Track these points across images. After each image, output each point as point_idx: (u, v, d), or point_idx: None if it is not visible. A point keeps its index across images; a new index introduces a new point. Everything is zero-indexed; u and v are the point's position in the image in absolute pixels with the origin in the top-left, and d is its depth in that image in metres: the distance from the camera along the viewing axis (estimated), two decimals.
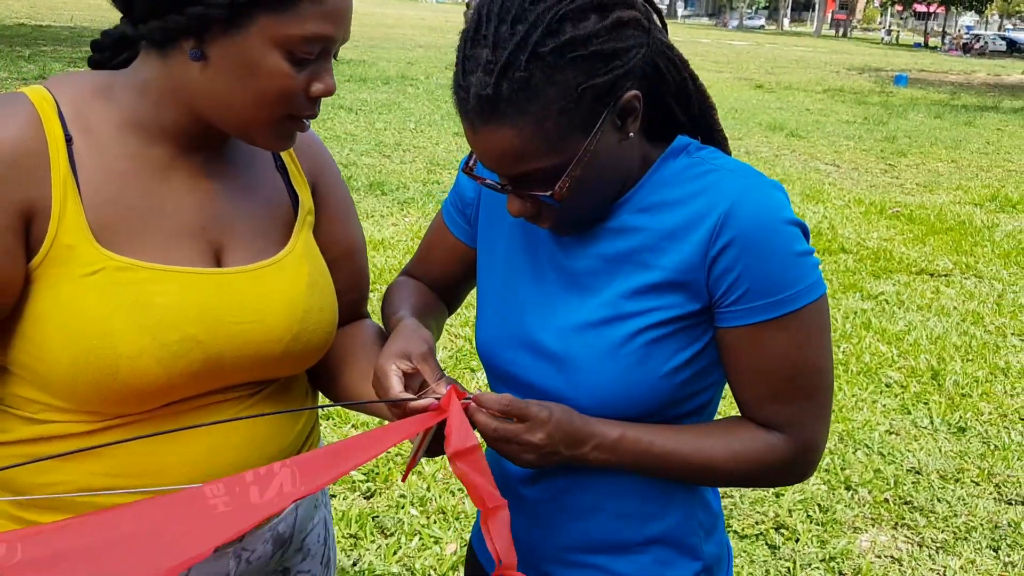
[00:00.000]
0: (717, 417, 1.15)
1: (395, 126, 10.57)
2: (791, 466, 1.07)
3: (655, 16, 1.02)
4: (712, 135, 1.12)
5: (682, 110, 1.09)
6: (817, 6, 73.43)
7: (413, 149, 9.29)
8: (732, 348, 1.03)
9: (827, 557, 2.89)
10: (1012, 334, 5.05)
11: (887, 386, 4.22)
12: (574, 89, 0.92)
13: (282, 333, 1.10)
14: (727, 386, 1.12)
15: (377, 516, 2.90)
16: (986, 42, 51.11)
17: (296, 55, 0.98)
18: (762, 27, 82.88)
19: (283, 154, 1.20)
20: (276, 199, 1.17)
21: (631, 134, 1.00)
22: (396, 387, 1.00)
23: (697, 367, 1.06)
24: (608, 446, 1.02)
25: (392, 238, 5.99)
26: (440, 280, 1.32)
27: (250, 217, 1.12)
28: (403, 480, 1.60)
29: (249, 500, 0.97)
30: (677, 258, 1.02)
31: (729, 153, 1.12)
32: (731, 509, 3.06)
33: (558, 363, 1.06)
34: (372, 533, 2.81)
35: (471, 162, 1.05)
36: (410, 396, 1.00)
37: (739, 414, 1.10)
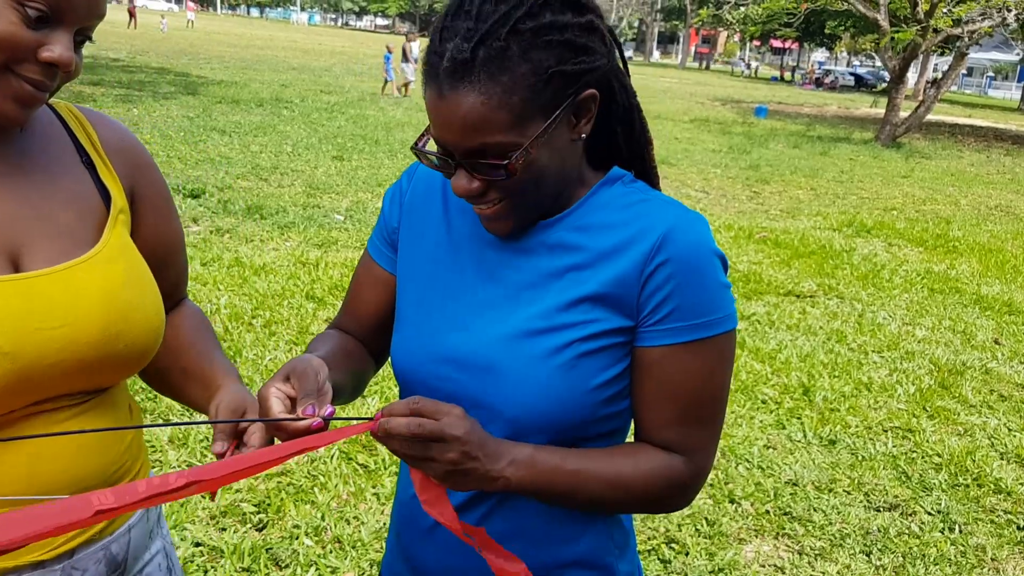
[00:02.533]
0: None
1: (271, 149, 10.38)
2: (686, 488, 1.10)
3: (616, 46, 1.09)
4: (645, 170, 1.17)
5: (625, 136, 1.14)
6: (682, 39, 76.38)
7: (291, 172, 9.14)
8: (648, 368, 1.07)
9: (716, 569, 3.00)
10: (872, 351, 5.37)
11: (763, 402, 4.41)
12: (544, 70, 0.97)
13: (99, 334, 1.04)
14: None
15: (271, 548, 2.83)
16: (836, 77, 54.25)
17: (26, 8, 0.96)
18: (630, 58, 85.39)
19: (90, 151, 1.15)
20: (83, 197, 1.12)
21: (582, 136, 1.05)
22: (275, 408, 0.96)
23: (620, 385, 1.09)
24: (524, 462, 1.01)
25: (273, 263, 5.88)
26: (371, 321, 1.27)
27: (51, 216, 1.07)
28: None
29: (137, 489, 0.92)
30: (612, 274, 1.05)
31: (659, 189, 1.17)
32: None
33: (484, 372, 1.07)
34: (266, 566, 2.74)
35: (421, 142, 1.06)
36: (289, 416, 0.96)
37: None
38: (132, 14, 39.62)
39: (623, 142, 1.15)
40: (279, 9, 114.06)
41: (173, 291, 1.30)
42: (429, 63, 0.98)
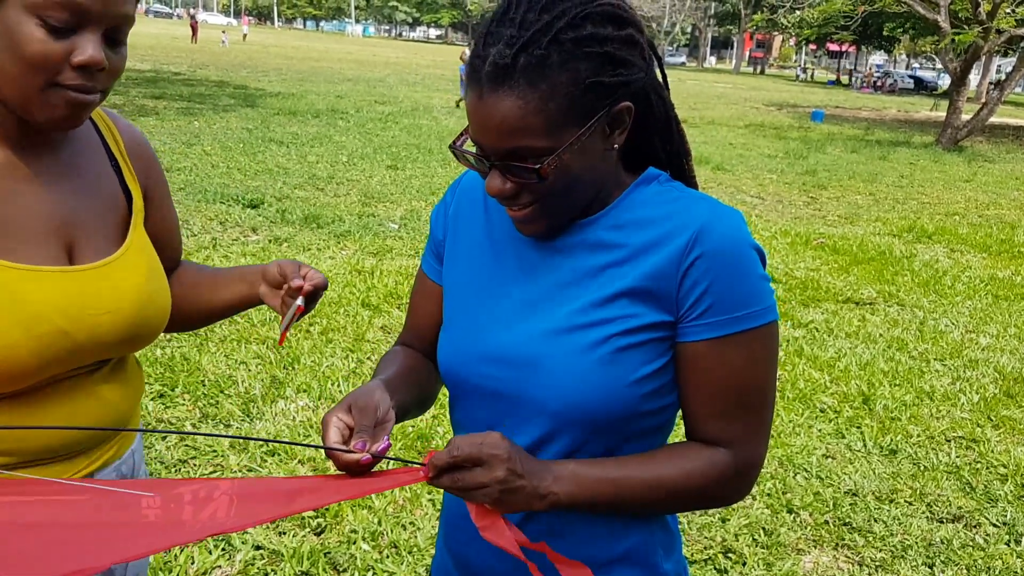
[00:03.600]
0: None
1: (327, 159, 10.53)
2: (734, 482, 1.12)
3: (655, 59, 1.12)
4: (682, 177, 1.20)
5: (663, 147, 1.17)
6: (736, 44, 75.66)
7: (347, 182, 9.27)
8: (691, 363, 1.09)
9: None
10: (934, 359, 5.25)
11: (821, 411, 4.35)
12: (582, 80, 1.00)
13: (133, 319, 1.24)
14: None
15: (329, 552, 2.87)
16: (895, 80, 53.27)
17: (48, 21, 1.05)
18: (683, 64, 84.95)
19: (116, 154, 1.31)
20: (114, 198, 1.29)
21: (615, 146, 1.08)
22: (332, 437, 1.02)
23: (661, 381, 1.10)
24: (568, 477, 1.04)
25: (330, 271, 5.96)
26: (431, 333, 1.31)
27: (95, 216, 1.25)
28: (280, 343, 1.70)
29: (181, 518, 0.98)
30: (649, 268, 1.08)
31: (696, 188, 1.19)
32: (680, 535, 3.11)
33: (527, 368, 1.10)
34: (325, 570, 2.78)
35: (459, 141, 1.10)
36: (341, 447, 1.01)
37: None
38: (194, 29, 40.54)
39: (661, 152, 1.18)
40: (334, 22, 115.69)
41: (173, 261, 1.51)
42: (472, 66, 1.02)
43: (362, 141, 12.31)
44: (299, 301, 1.29)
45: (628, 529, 1.16)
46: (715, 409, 1.09)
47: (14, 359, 1.11)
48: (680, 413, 1.17)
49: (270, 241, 6.65)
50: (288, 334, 1.29)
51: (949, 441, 4.14)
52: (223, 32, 44.24)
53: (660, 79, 1.14)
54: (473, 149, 1.08)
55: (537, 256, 1.16)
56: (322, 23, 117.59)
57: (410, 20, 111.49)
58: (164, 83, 18.19)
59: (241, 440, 3.51)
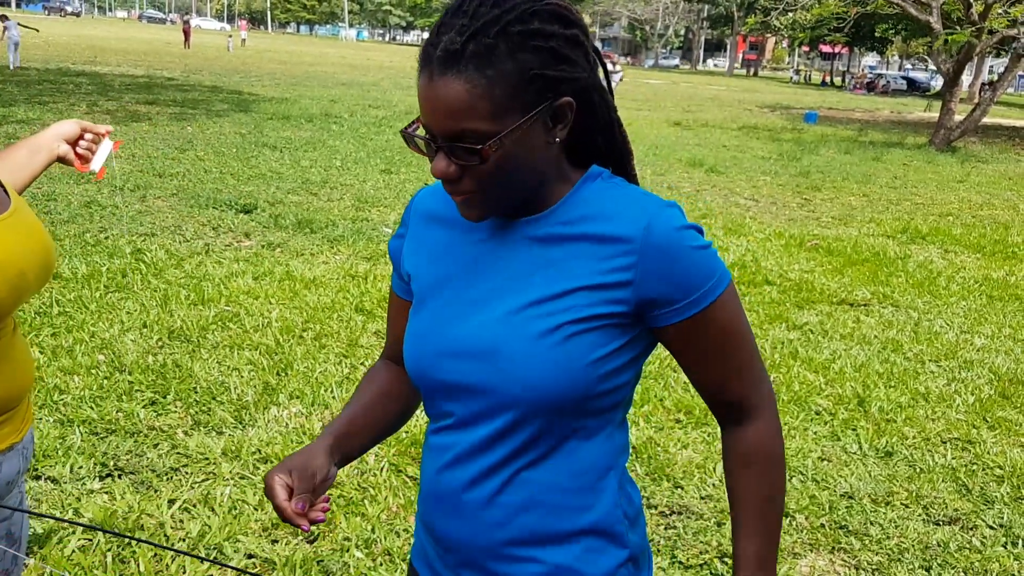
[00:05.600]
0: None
1: (321, 164, 10.51)
2: (776, 427, 1.24)
3: (600, 63, 1.19)
4: (626, 175, 1.27)
5: (606, 146, 1.24)
6: (729, 46, 75.76)
7: (340, 187, 9.24)
8: (669, 344, 1.19)
9: None
10: (929, 360, 5.25)
11: (816, 414, 4.34)
12: (527, 71, 1.06)
13: (50, 253, 1.46)
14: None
15: (322, 560, 2.85)
16: (888, 81, 53.36)
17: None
18: (677, 66, 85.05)
19: None
20: None
21: (557, 139, 1.13)
22: (280, 495, 1.18)
23: (617, 362, 1.17)
24: (763, 568, 1.22)
25: (323, 276, 5.94)
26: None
27: None
28: (100, 177, 1.95)
29: None
30: (600, 262, 1.14)
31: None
32: (675, 540, 3.10)
33: (486, 357, 1.16)
34: None
35: (411, 128, 1.16)
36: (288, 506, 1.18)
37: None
38: (187, 34, 40.48)
39: (604, 151, 1.24)
40: (328, 26, 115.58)
41: None
42: (425, 52, 1.08)
43: (356, 145, 12.28)
44: (109, 140, 1.77)
45: (597, 500, 1.22)
46: (715, 375, 1.20)
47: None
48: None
49: (263, 246, 6.63)
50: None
51: (945, 443, 4.13)
52: (228, 37, 44.23)
53: (604, 83, 1.20)
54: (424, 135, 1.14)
55: (490, 255, 1.22)
56: (316, 27, 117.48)
57: (404, 24, 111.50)
58: (157, 88, 18.14)
59: (235, 442, 3.48)
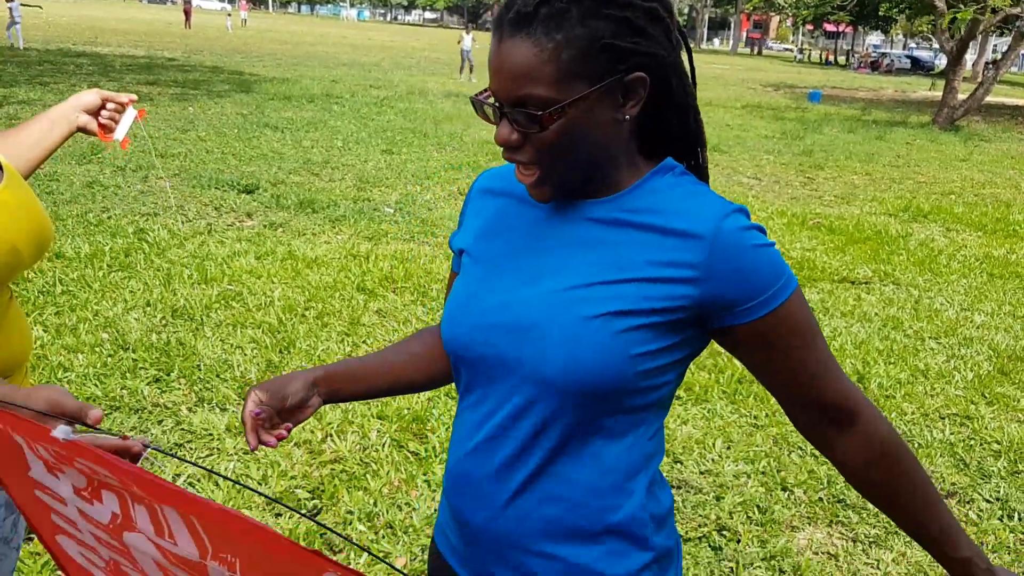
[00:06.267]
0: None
1: (322, 144, 10.50)
2: (879, 412, 1.17)
3: (684, 46, 1.15)
4: (696, 167, 1.22)
5: (679, 131, 1.18)
6: (733, 25, 75.37)
7: (342, 167, 9.24)
8: (742, 344, 1.13)
9: (768, 556, 2.98)
10: (929, 337, 5.27)
11: None
12: (598, 39, 1.03)
13: (46, 227, 1.47)
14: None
15: (324, 534, 2.89)
16: (892, 60, 53.07)
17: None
18: None
19: None
20: None
21: (626, 117, 1.08)
22: (247, 407, 1.23)
23: (661, 361, 1.11)
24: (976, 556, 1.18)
25: (325, 256, 5.96)
26: None
27: None
28: (124, 147, 1.90)
29: None
30: (660, 259, 1.09)
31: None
32: (675, 514, 3.13)
33: (526, 332, 1.12)
34: (320, 551, 2.79)
35: (481, 95, 1.14)
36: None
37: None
38: (188, 15, 40.32)
39: (677, 136, 1.18)
40: (329, 5, 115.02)
41: None
42: (497, 16, 1.06)
43: (357, 126, 12.27)
44: (133, 109, 1.77)
45: (625, 502, 1.17)
46: (797, 377, 1.13)
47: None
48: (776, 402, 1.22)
49: (265, 226, 6.65)
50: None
51: (943, 419, 4.16)
52: (227, 16, 44.07)
53: (687, 67, 1.15)
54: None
55: (547, 231, 1.18)
56: (317, 7, 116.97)
57: (405, 3, 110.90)
58: (158, 69, 18.11)
59: (237, 424, 3.52)
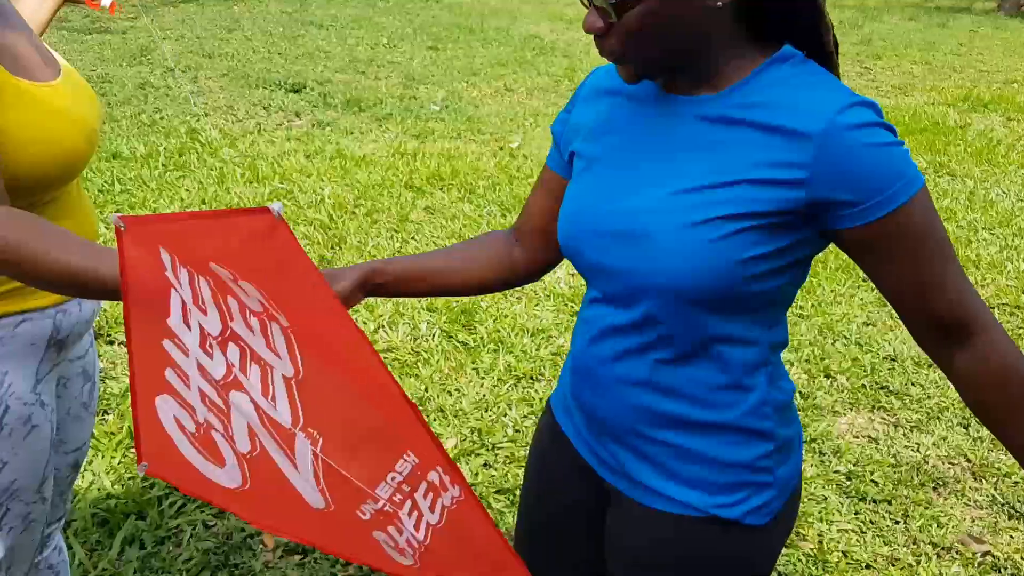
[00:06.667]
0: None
1: (368, 42, 10.42)
2: (1007, 337, 1.09)
3: None
4: (820, 55, 1.14)
5: (792, 11, 1.10)
6: None
7: (388, 65, 9.20)
8: (854, 247, 1.07)
9: (808, 439, 3.05)
10: (983, 228, 5.19)
11: (864, 280, 4.36)
12: None
13: (101, 117, 1.51)
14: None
15: None
16: None
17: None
18: None
19: None
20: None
21: (718, 4, 1.03)
22: None
23: (775, 264, 1.09)
24: None
25: (373, 154, 6.01)
26: (535, 223, 1.40)
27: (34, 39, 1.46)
28: (112, 12, 2.13)
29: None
30: (775, 156, 1.04)
31: (837, 75, 1.13)
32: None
33: (636, 241, 1.10)
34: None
35: None
36: None
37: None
38: None
39: (791, 20, 1.10)
40: None
41: None
42: None
43: (402, 22, 12.12)
44: None
45: (742, 400, 1.17)
46: (910, 287, 1.07)
47: (77, 158, 1.36)
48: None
49: (313, 125, 6.69)
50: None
51: (993, 308, 4.14)
52: None
53: None
54: None
55: (656, 132, 1.15)
56: None
57: None
58: None
59: None
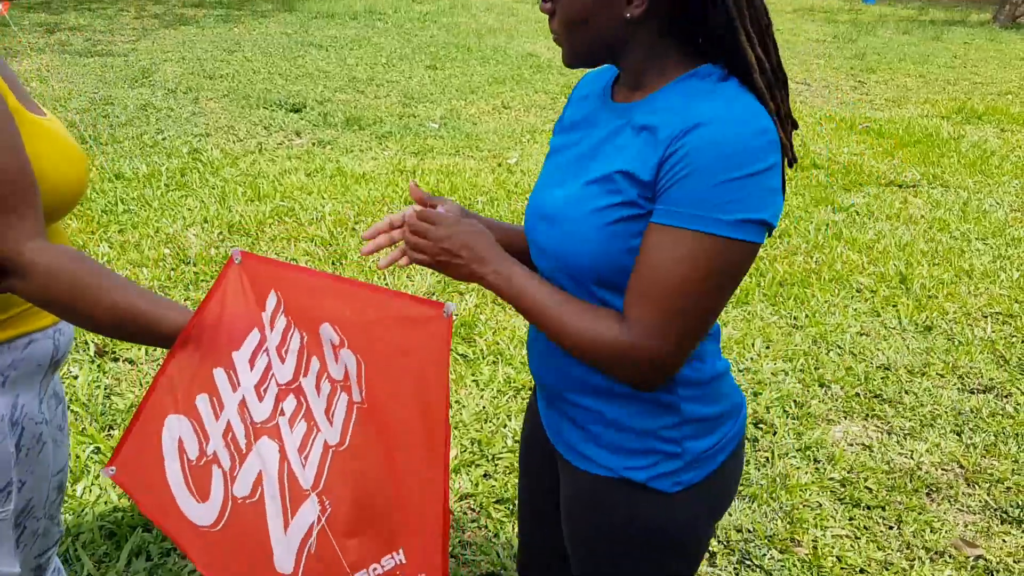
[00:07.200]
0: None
1: (367, 61, 10.52)
2: (625, 363, 1.15)
3: None
4: (749, 76, 1.17)
5: (729, 47, 1.16)
6: None
7: (387, 84, 9.28)
8: (644, 241, 1.15)
9: (803, 447, 3.10)
10: (976, 238, 5.25)
11: (858, 291, 4.41)
12: None
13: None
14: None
15: None
16: None
17: None
18: None
19: None
20: None
21: (628, 16, 1.16)
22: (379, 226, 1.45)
23: None
24: (504, 275, 1.23)
25: (372, 171, 6.07)
26: None
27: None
28: None
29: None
30: (640, 156, 1.15)
31: (763, 98, 1.16)
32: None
33: (555, 222, 1.25)
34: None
35: None
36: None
37: None
38: None
39: (708, 39, 1.20)
40: None
41: None
42: None
43: (401, 42, 12.23)
44: None
45: (646, 412, 1.29)
46: (640, 287, 1.13)
47: (81, 188, 1.39)
48: None
49: (313, 144, 6.77)
50: None
51: (986, 317, 4.19)
52: None
53: None
54: None
55: (595, 131, 1.29)
56: None
57: None
58: None
59: None
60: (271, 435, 1.24)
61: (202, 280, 4.16)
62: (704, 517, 1.37)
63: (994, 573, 2.60)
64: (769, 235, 1.15)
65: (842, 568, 2.58)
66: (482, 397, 3.28)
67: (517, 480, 1.89)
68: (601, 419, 1.31)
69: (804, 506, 2.82)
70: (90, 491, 2.70)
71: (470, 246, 1.24)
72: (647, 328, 1.13)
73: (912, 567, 2.60)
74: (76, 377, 3.31)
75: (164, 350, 1.41)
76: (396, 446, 1.18)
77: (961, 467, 3.06)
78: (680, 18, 1.17)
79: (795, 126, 1.23)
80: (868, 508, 2.83)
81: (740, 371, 3.56)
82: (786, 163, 1.19)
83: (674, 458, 1.30)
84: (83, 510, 2.62)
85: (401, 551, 1.18)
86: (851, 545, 2.68)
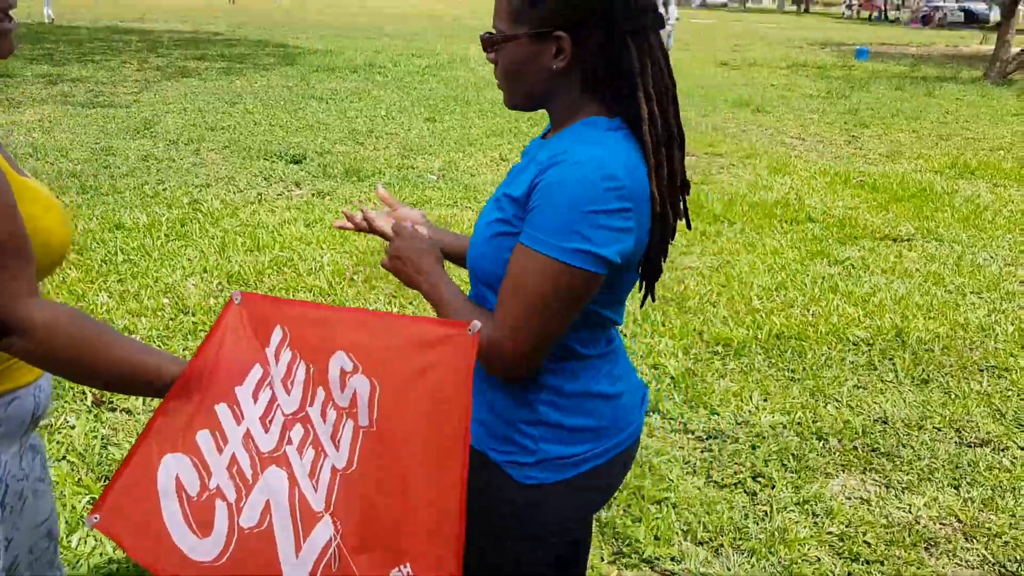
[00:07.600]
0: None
1: (366, 114, 10.66)
2: (488, 351, 1.35)
3: (654, 24, 1.34)
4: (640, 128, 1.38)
5: (621, 97, 1.37)
6: None
7: (386, 136, 9.39)
8: (511, 255, 1.37)
9: (801, 500, 3.09)
10: (971, 292, 5.28)
11: (854, 344, 4.43)
12: None
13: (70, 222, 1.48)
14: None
15: None
16: (945, 13, 51.57)
17: None
18: (725, 4, 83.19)
19: None
20: None
21: (553, 67, 1.35)
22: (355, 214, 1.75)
23: None
24: (434, 284, 1.46)
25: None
26: None
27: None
28: None
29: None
30: (525, 180, 1.35)
31: (647, 148, 1.36)
32: (711, 462, 3.26)
33: (473, 235, 1.48)
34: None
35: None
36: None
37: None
38: None
39: (616, 99, 1.38)
40: None
41: None
42: None
43: (400, 95, 12.40)
44: None
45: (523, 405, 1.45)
46: (504, 293, 1.35)
47: (66, 248, 1.40)
48: None
49: (313, 195, 6.83)
50: None
51: (982, 371, 4.21)
52: None
53: (661, 39, 1.36)
54: None
55: (524, 160, 1.47)
56: None
57: None
58: (205, 44, 18.38)
59: None
60: (279, 463, 1.26)
61: (200, 330, 4.17)
62: (554, 522, 1.48)
63: None
64: (613, 270, 1.32)
65: None
66: None
67: None
68: (485, 402, 1.47)
69: (803, 560, 2.81)
70: (85, 542, 2.68)
71: (415, 260, 1.49)
72: (506, 328, 1.34)
73: None
74: (73, 427, 3.30)
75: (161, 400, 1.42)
76: (408, 463, 1.19)
77: (959, 521, 3.05)
78: (597, 73, 1.35)
79: (686, 187, 1.42)
80: (867, 563, 2.82)
81: (737, 424, 3.56)
82: (674, 218, 1.41)
83: (528, 452, 1.44)
84: (78, 561, 2.60)
85: (407, 564, 1.19)
86: None
